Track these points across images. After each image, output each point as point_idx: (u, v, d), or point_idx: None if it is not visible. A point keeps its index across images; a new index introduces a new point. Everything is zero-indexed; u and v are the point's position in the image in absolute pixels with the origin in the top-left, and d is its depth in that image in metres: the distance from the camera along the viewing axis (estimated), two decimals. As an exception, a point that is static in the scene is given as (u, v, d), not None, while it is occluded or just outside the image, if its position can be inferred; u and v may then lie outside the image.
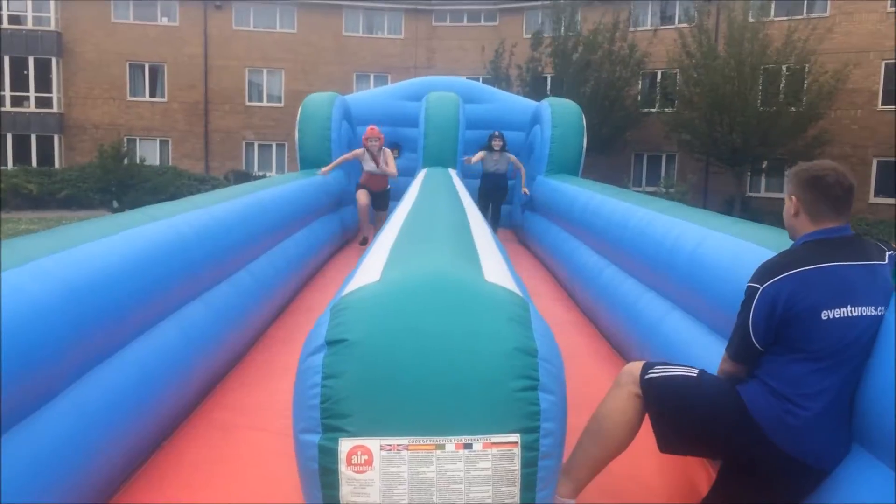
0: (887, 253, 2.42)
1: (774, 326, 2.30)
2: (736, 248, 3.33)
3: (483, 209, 8.91)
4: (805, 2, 24.00)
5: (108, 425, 2.59)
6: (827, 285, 2.28)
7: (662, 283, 4.24)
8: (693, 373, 2.54)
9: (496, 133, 9.59)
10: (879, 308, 2.27)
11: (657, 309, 4.20)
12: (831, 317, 2.25)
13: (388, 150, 8.92)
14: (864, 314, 2.26)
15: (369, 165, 8.72)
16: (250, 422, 3.36)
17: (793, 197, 2.49)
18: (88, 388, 2.55)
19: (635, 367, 2.59)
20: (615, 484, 2.88)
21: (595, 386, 2.91)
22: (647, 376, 2.51)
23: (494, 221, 9.52)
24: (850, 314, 2.26)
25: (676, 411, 2.46)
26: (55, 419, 2.30)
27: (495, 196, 9.71)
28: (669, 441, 2.52)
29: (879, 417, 2.07)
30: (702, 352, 3.34)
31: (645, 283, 4.62)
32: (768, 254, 2.62)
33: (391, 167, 8.72)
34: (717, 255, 3.47)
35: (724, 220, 4.11)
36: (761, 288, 2.32)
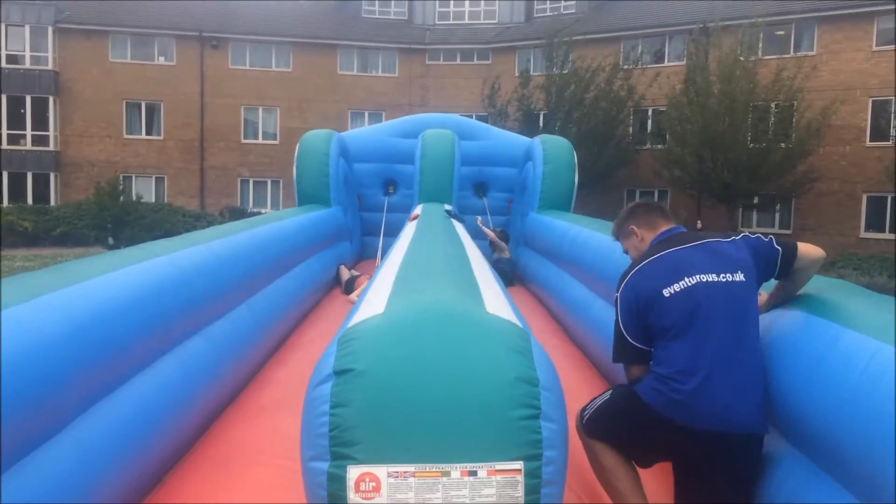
0: (735, 237, 2.71)
1: (637, 318, 2.61)
2: None
3: None
4: (792, 40, 24.49)
5: (110, 460, 2.59)
6: (663, 269, 2.63)
7: None
8: (607, 395, 2.80)
9: (494, 228, 9.67)
10: (724, 275, 2.56)
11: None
12: (672, 291, 2.57)
13: None
14: (701, 280, 2.55)
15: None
16: (250, 456, 3.35)
17: (631, 230, 2.93)
18: (90, 423, 2.55)
19: (576, 420, 2.78)
20: (596, 487, 2.92)
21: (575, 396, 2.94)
22: (582, 421, 2.77)
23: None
24: (687, 284, 2.56)
25: (611, 432, 2.67)
26: (57, 455, 2.30)
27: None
28: (635, 456, 2.68)
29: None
30: None
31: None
32: None
33: None
34: None
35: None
36: (619, 293, 2.69)
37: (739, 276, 2.57)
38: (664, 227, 2.85)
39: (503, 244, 9.40)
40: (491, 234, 9.39)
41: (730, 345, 2.48)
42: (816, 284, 2.82)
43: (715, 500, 2.47)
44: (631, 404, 2.60)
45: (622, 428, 2.65)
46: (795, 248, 2.66)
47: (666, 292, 2.57)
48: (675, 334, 2.53)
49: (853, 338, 2.16)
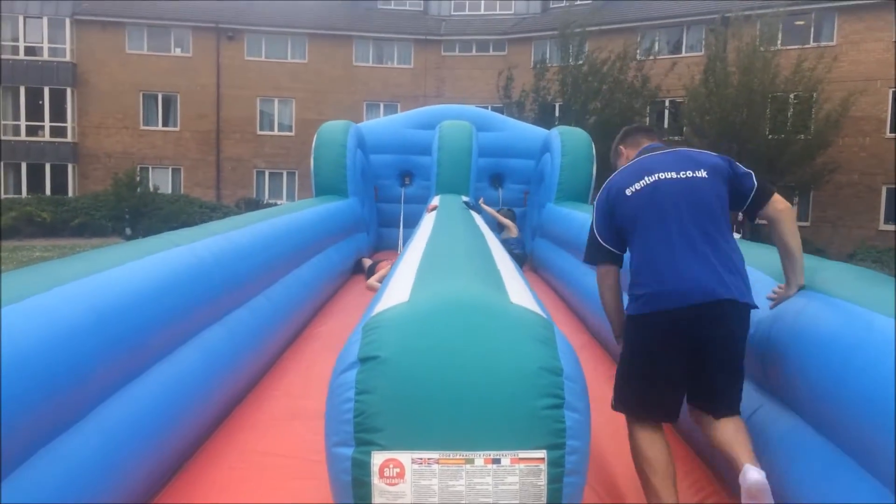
0: (713, 153, 2.94)
1: (607, 218, 2.86)
2: None
3: None
4: (812, 30, 24.23)
5: (132, 447, 2.62)
6: (631, 173, 2.88)
7: None
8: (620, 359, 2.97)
9: (500, 210, 9.66)
10: (684, 172, 2.78)
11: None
12: (634, 190, 2.81)
13: None
14: (660, 178, 2.78)
15: None
16: (269, 444, 3.38)
17: (619, 151, 3.23)
18: (113, 410, 2.58)
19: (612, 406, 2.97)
20: (617, 484, 2.92)
21: (607, 408, 2.95)
22: (613, 403, 2.94)
23: None
24: (646, 182, 2.80)
25: (632, 380, 2.83)
26: (81, 441, 2.33)
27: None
28: (660, 398, 2.77)
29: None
30: None
31: None
32: (766, 276, 2.92)
33: None
34: None
35: None
36: (595, 203, 2.98)
37: (701, 174, 2.77)
38: (646, 144, 3.10)
39: (509, 222, 9.41)
40: (493, 212, 9.42)
41: (693, 230, 2.69)
42: (844, 272, 2.82)
43: (719, 369, 2.67)
44: (634, 333, 2.79)
45: (636, 364, 2.80)
46: (772, 192, 2.84)
47: (628, 191, 2.82)
48: (644, 231, 2.77)
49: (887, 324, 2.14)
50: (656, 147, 3.04)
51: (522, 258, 8.83)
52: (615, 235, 2.85)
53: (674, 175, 2.77)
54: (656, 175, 2.79)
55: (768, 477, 2.38)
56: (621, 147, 3.22)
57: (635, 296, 2.77)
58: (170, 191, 29.10)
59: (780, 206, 2.80)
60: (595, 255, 2.93)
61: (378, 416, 1.81)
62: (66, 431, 2.29)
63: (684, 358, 2.69)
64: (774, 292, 2.84)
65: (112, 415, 2.56)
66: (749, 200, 2.82)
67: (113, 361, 2.56)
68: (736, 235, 3.08)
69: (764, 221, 2.91)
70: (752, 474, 2.35)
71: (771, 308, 2.82)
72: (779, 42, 22.39)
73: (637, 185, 2.80)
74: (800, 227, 2.90)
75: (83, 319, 2.39)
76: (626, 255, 2.94)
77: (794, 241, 2.76)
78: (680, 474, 2.85)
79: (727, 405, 2.68)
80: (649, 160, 2.89)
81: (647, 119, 26.11)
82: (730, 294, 2.62)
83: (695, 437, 3.29)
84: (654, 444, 2.67)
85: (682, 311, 2.62)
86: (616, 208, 2.83)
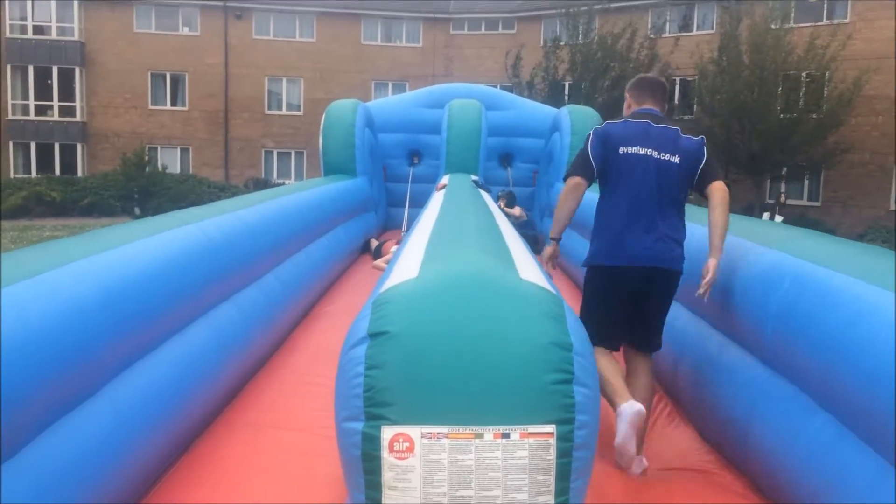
0: (695, 137, 3.48)
1: (603, 149, 3.42)
2: (735, 245, 3.49)
3: None
4: (825, 6, 23.91)
5: (142, 424, 2.64)
6: (629, 132, 3.44)
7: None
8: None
9: (499, 194, 9.42)
10: (664, 154, 3.38)
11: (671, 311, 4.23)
12: (626, 151, 3.40)
13: None
14: (649, 154, 3.37)
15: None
16: (280, 421, 3.41)
17: (627, 96, 3.74)
18: (124, 386, 2.60)
19: None
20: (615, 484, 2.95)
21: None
22: None
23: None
24: (636, 151, 3.39)
25: (591, 315, 3.39)
26: (91, 418, 2.35)
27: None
28: (611, 331, 3.46)
29: None
30: (712, 346, 3.66)
31: None
32: (767, 250, 3.18)
33: None
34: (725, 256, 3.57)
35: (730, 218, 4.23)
36: (593, 131, 3.50)
37: (675, 159, 3.39)
38: (647, 105, 3.61)
39: (514, 210, 9.24)
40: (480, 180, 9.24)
41: (660, 205, 3.35)
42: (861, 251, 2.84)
43: (652, 317, 3.47)
44: (594, 280, 3.51)
45: (594, 303, 3.49)
46: (716, 176, 3.43)
47: (621, 150, 3.41)
48: (621, 192, 3.40)
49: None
50: (653, 114, 3.54)
51: (535, 240, 8.65)
52: (601, 162, 3.43)
53: (656, 154, 3.37)
54: (645, 150, 3.38)
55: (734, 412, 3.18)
56: (628, 94, 3.74)
57: (602, 245, 3.45)
58: (178, 171, 29.14)
59: (716, 185, 3.41)
60: (579, 168, 3.48)
61: (388, 390, 1.81)
62: (77, 408, 2.31)
63: (629, 305, 3.41)
64: (702, 286, 3.32)
65: (123, 391, 2.57)
66: (697, 177, 3.45)
67: (123, 339, 2.58)
68: (778, 218, 3.37)
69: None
70: (637, 406, 3.08)
71: (703, 286, 3.31)
72: (791, 19, 22.11)
73: (630, 149, 3.39)
74: (811, 207, 3.06)
75: (93, 297, 2.40)
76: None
77: (721, 219, 3.32)
78: (659, 477, 3.18)
79: (653, 345, 3.54)
80: (644, 130, 3.43)
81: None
82: (672, 264, 3.36)
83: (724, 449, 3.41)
84: (607, 360, 3.32)
85: (634, 269, 3.33)
86: (609, 153, 3.42)
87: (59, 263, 2.42)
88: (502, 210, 8.99)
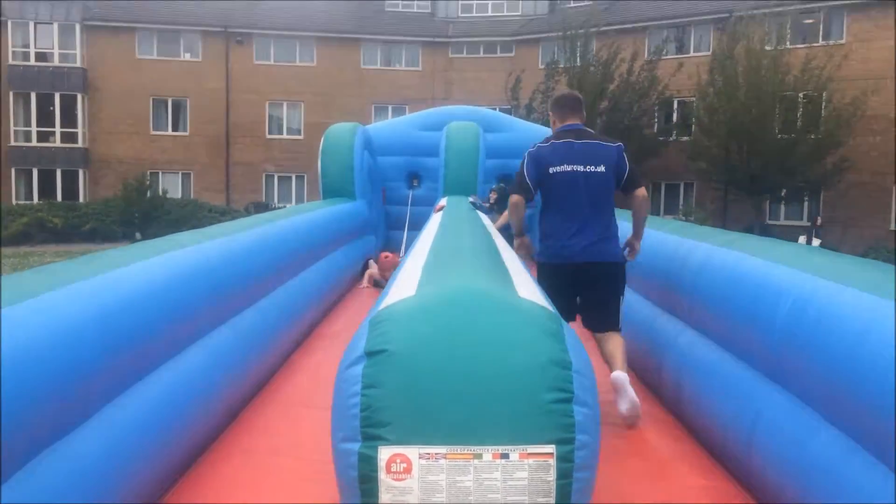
0: (612, 144, 4.09)
1: (536, 170, 4.01)
2: (738, 264, 3.47)
3: None
4: (821, 29, 24.08)
5: (137, 449, 2.60)
6: (556, 153, 4.01)
7: (676, 304, 4.29)
8: None
9: (492, 188, 9.31)
10: (589, 166, 3.96)
11: (672, 329, 4.23)
12: (555, 171, 3.98)
13: None
14: (576, 169, 3.95)
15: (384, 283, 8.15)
16: (276, 447, 3.36)
17: (551, 115, 4.30)
18: (118, 411, 2.56)
19: None
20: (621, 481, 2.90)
21: (611, 404, 2.95)
22: None
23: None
24: (565, 170, 3.96)
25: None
26: (85, 442, 2.31)
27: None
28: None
29: None
30: (713, 358, 3.57)
31: (658, 304, 4.67)
32: (766, 265, 3.18)
33: None
34: (721, 271, 3.56)
35: (731, 236, 4.26)
36: (527, 153, 4.10)
37: (601, 168, 3.97)
38: (570, 121, 4.16)
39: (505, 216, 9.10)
40: (478, 200, 9.17)
41: (590, 210, 3.95)
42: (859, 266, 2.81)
43: (599, 303, 4.04)
44: (542, 274, 4.07)
45: (543, 290, 3.68)
46: (637, 183, 4.08)
47: (551, 170, 3.99)
48: (555, 204, 4.03)
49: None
50: (577, 129, 4.10)
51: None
52: (537, 183, 4.03)
53: (582, 168, 3.95)
54: (572, 167, 3.96)
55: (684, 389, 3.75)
56: (552, 113, 4.30)
57: (546, 247, 4.10)
58: (179, 195, 29.21)
59: (639, 192, 4.08)
60: (518, 188, 4.08)
61: (385, 410, 1.78)
62: (72, 431, 2.28)
63: (575, 294, 4.04)
64: (627, 249, 4.18)
65: (118, 415, 2.54)
66: (623, 183, 4.05)
67: (118, 361, 2.55)
68: (815, 242, 3.41)
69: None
70: (619, 374, 3.67)
71: (629, 255, 4.17)
72: (787, 41, 22.26)
73: (558, 168, 3.97)
74: (809, 228, 2.99)
75: (88, 319, 2.38)
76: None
77: (641, 216, 4.15)
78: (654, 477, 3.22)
79: (606, 325, 4.03)
80: (568, 148, 4.00)
81: (656, 119, 26.05)
82: (607, 257, 4.00)
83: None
84: None
85: (576, 265, 3.95)
86: (542, 175, 4.00)
87: (54, 286, 2.40)
88: (492, 205, 8.85)
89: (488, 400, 1.80)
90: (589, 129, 4.20)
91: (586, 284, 4.01)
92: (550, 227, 4.08)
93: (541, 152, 4.04)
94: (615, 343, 3.96)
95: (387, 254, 8.42)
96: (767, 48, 21.51)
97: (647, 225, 4.35)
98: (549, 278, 4.02)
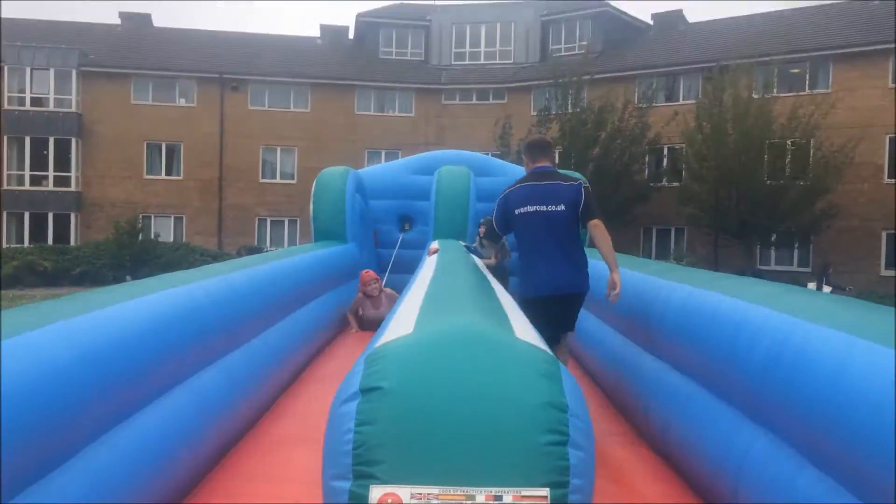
0: (574, 182, 4.37)
1: (504, 217, 4.45)
2: (718, 303, 3.45)
3: None
4: (807, 78, 24.51)
5: (120, 490, 2.56)
6: (522, 196, 4.38)
7: (657, 344, 4.31)
8: None
9: (482, 221, 9.23)
10: (551, 206, 4.28)
11: (657, 371, 4.23)
12: (520, 212, 4.35)
13: (388, 290, 8.42)
14: (538, 210, 4.29)
15: (370, 312, 8.19)
16: (263, 490, 3.30)
17: (525, 157, 4.68)
18: (101, 451, 2.52)
19: None
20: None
21: (602, 444, 2.90)
22: None
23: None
24: (527, 210, 4.32)
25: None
26: (67, 482, 2.27)
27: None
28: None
29: None
30: (698, 406, 3.53)
31: (642, 345, 4.69)
32: (756, 307, 3.09)
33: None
34: (702, 310, 3.55)
35: (710, 276, 4.39)
36: (500, 198, 4.48)
37: (560, 207, 4.28)
38: (540, 163, 4.50)
39: (497, 246, 8.90)
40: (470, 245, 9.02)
41: (555, 247, 4.28)
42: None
43: (563, 326, 4.45)
44: (523, 307, 4.05)
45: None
46: (593, 216, 4.33)
47: (517, 212, 4.36)
48: (524, 243, 4.41)
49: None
50: (544, 172, 4.42)
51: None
52: (504, 224, 4.49)
53: (544, 208, 4.28)
54: (535, 207, 4.29)
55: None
56: (525, 156, 4.68)
57: (524, 282, 4.48)
58: (171, 239, 29.15)
59: (593, 223, 4.33)
60: (491, 236, 4.73)
61: (378, 448, 1.75)
62: (56, 469, 2.24)
63: (551, 321, 4.26)
64: (612, 296, 4.32)
65: (101, 455, 2.50)
66: (580, 217, 4.32)
67: (102, 401, 2.51)
68: (826, 289, 3.41)
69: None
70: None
71: (612, 298, 4.32)
72: (774, 89, 22.62)
73: (524, 209, 4.33)
74: (801, 273, 2.99)
75: (71, 359, 2.34)
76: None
77: (604, 247, 4.31)
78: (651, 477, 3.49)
79: (565, 330, 4.52)
80: (532, 190, 4.35)
81: (646, 165, 26.29)
82: (576, 289, 4.40)
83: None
84: None
85: (551, 297, 4.31)
86: (510, 217, 4.40)
87: (37, 325, 2.36)
88: (482, 242, 8.62)
89: (483, 440, 1.77)
90: (556, 171, 4.53)
91: (556, 312, 4.37)
92: (525, 264, 4.45)
93: (509, 196, 4.43)
94: (564, 346, 4.53)
95: (367, 270, 8.52)
96: (755, 96, 21.84)
97: (631, 266, 4.48)
98: (529, 310, 4.20)
